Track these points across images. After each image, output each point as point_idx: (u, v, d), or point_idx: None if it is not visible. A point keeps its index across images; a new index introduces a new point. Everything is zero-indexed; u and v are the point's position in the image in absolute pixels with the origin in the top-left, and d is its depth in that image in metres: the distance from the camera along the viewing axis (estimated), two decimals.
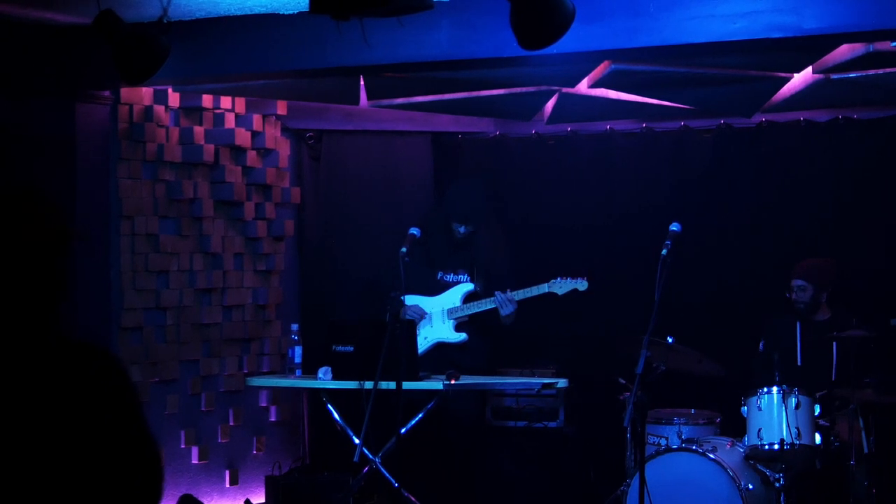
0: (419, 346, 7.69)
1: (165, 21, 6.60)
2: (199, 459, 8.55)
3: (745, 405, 7.49)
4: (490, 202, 8.33)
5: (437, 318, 8.00)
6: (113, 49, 6.28)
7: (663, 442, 7.68)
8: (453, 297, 8.04)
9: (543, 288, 7.78)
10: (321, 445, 9.15)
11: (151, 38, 6.26)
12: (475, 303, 7.97)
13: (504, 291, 7.85)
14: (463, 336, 7.98)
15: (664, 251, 6.39)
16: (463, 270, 8.08)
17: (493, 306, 7.86)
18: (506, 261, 8.14)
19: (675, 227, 6.59)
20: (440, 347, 7.98)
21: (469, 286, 8.05)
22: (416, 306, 7.94)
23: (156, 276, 8.24)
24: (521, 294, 7.83)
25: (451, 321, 7.98)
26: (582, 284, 7.76)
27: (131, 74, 6.24)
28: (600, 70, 7.74)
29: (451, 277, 8.07)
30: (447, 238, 8.01)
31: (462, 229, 7.97)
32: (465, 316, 7.98)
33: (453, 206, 8.01)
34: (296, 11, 6.95)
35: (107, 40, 6.27)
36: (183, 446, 8.47)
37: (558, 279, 7.78)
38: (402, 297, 7.02)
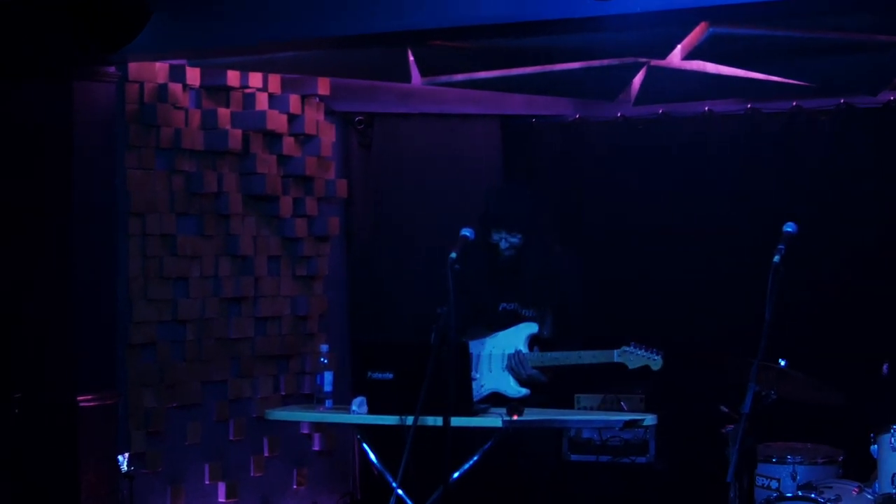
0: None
1: None
2: (227, 497, 8.09)
3: (875, 443, 6.69)
4: (548, 213, 7.56)
5: (496, 362, 7.12)
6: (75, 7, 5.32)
7: (774, 485, 7.03)
8: (515, 338, 7.15)
9: (611, 356, 6.94)
10: (374, 478, 8.14)
11: None
12: (546, 355, 7.06)
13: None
14: (525, 392, 7.10)
15: (776, 257, 5.66)
16: (516, 301, 7.24)
17: (572, 363, 7.02)
18: (580, 295, 7.25)
19: (789, 227, 5.84)
20: (497, 396, 7.17)
21: (533, 327, 7.16)
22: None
23: (172, 284, 7.79)
24: (568, 357, 7.01)
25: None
26: (656, 362, 6.93)
27: (103, 40, 5.24)
28: (696, 35, 7.06)
29: (511, 307, 7.22)
30: (488, 257, 7.20)
31: (504, 242, 7.13)
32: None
33: (491, 208, 7.23)
34: None
35: None
36: (207, 482, 8.00)
37: (631, 346, 6.94)
38: (452, 314, 6.21)
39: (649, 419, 6.86)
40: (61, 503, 6.92)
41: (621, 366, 6.91)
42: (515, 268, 7.13)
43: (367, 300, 8.97)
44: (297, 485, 8.48)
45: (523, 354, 6.98)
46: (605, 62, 7.84)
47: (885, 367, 6.78)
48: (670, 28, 6.97)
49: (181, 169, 7.77)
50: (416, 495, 6.67)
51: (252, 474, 8.19)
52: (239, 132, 8.00)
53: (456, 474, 6.55)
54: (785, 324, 5.95)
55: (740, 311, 6.95)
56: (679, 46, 7.42)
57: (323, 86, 8.37)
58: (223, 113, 7.95)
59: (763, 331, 5.56)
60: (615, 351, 6.89)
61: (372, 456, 6.97)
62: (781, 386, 6.50)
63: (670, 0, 5.80)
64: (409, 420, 6.33)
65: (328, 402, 7.02)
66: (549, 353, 7.00)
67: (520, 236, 7.12)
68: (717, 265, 8.63)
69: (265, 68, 8.03)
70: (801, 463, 6.99)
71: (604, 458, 8.15)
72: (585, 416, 7.62)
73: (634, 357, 6.88)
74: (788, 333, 6.31)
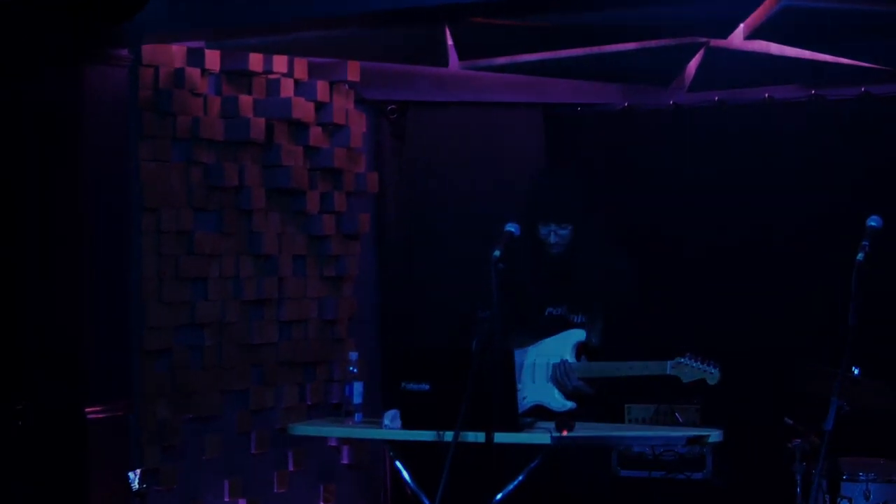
0: None
1: None
2: None
3: None
4: (599, 206, 7.32)
5: (540, 372, 6.86)
6: None
7: None
8: (561, 347, 6.89)
9: (663, 367, 6.67)
10: (408, 495, 8.05)
11: None
12: (594, 365, 6.83)
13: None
14: (571, 405, 6.84)
15: (860, 255, 5.41)
16: (564, 304, 6.98)
17: (622, 374, 6.77)
18: (636, 298, 6.99)
19: (873, 221, 5.60)
20: (540, 409, 6.93)
21: (581, 335, 6.90)
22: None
23: (190, 285, 7.62)
24: (618, 368, 6.78)
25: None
26: (712, 376, 6.64)
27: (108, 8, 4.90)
28: (764, 10, 6.78)
29: (558, 311, 6.97)
30: (534, 255, 6.97)
31: (553, 235, 6.88)
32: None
33: (538, 198, 6.99)
34: None
35: None
36: (227, 500, 7.81)
37: (686, 358, 6.64)
38: (496, 317, 6.01)
39: (715, 435, 6.54)
40: None
41: (674, 378, 6.67)
42: (565, 268, 6.88)
43: (400, 303, 8.87)
44: (323, 501, 8.37)
45: (569, 364, 6.72)
46: (661, 42, 7.68)
47: None
48: (739, 1, 6.74)
49: (199, 161, 7.61)
50: None
51: (275, 490, 8.06)
52: (262, 121, 7.85)
53: (499, 496, 6.32)
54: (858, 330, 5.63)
55: (804, 314, 7.04)
56: (742, 25, 7.20)
57: (353, 71, 8.22)
58: (245, 100, 7.79)
59: (847, 337, 5.28)
60: (668, 362, 6.64)
61: (406, 475, 6.75)
62: (854, 395, 6.01)
63: None
64: (448, 436, 6.08)
65: (358, 416, 6.80)
66: (596, 364, 6.76)
67: (570, 228, 6.86)
68: (778, 265, 8.48)
69: (290, 50, 7.88)
70: (874, 480, 6.76)
71: (657, 474, 8.02)
72: (642, 431, 7.35)
73: (689, 370, 6.62)
74: (860, 340, 5.83)
